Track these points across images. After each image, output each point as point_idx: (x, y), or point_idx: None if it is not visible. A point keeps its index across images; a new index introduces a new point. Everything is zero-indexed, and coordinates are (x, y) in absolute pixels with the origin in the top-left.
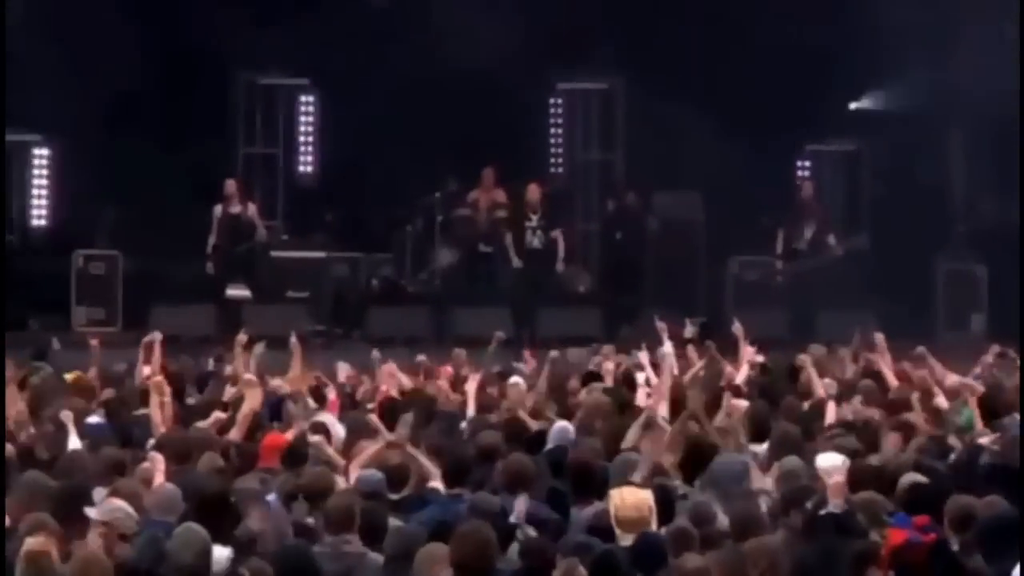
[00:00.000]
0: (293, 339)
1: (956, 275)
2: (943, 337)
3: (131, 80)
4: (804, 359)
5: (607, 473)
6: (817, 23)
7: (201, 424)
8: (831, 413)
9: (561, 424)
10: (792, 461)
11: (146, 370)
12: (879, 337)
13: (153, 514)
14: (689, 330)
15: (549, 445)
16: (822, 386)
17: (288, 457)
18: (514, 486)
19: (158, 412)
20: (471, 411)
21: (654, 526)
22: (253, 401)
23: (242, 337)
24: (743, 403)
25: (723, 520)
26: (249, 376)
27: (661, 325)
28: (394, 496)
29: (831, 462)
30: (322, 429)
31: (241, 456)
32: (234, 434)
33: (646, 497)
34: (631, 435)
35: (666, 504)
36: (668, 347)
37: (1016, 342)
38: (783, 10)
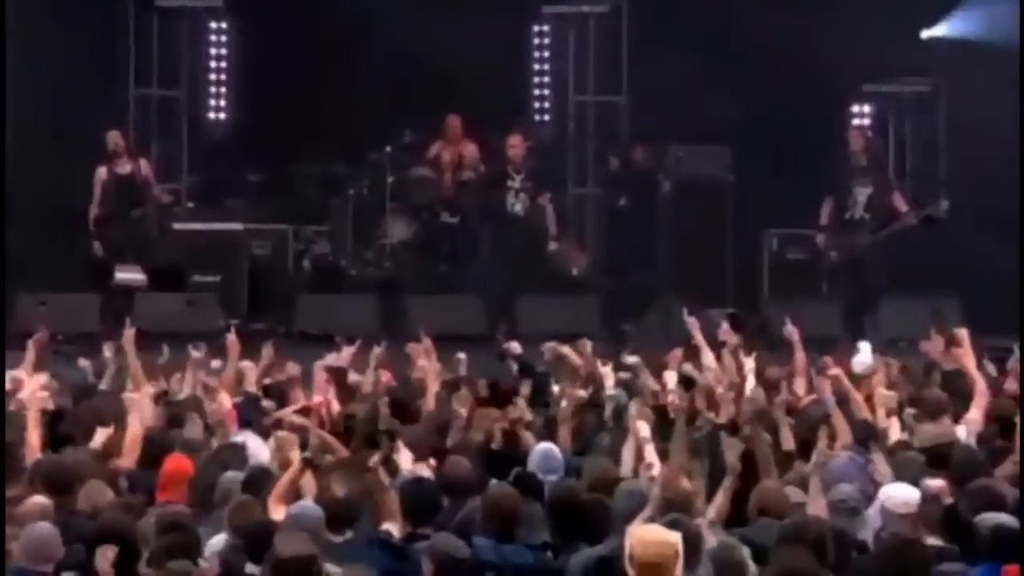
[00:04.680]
0: (231, 337)
1: None
2: None
3: None
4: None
5: (607, 509)
6: None
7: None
8: (895, 431)
9: (544, 447)
10: (843, 490)
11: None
12: (963, 333)
13: (24, 561)
14: (724, 329)
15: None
16: (874, 400)
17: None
18: (499, 526)
19: (35, 432)
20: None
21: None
22: (140, 419)
23: (130, 332)
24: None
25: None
26: (134, 395)
27: (692, 320)
28: (336, 539)
29: (901, 496)
30: (238, 452)
31: (135, 487)
32: (125, 462)
33: (672, 539)
34: (627, 457)
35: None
36: (709, 359)
37: None
38: None
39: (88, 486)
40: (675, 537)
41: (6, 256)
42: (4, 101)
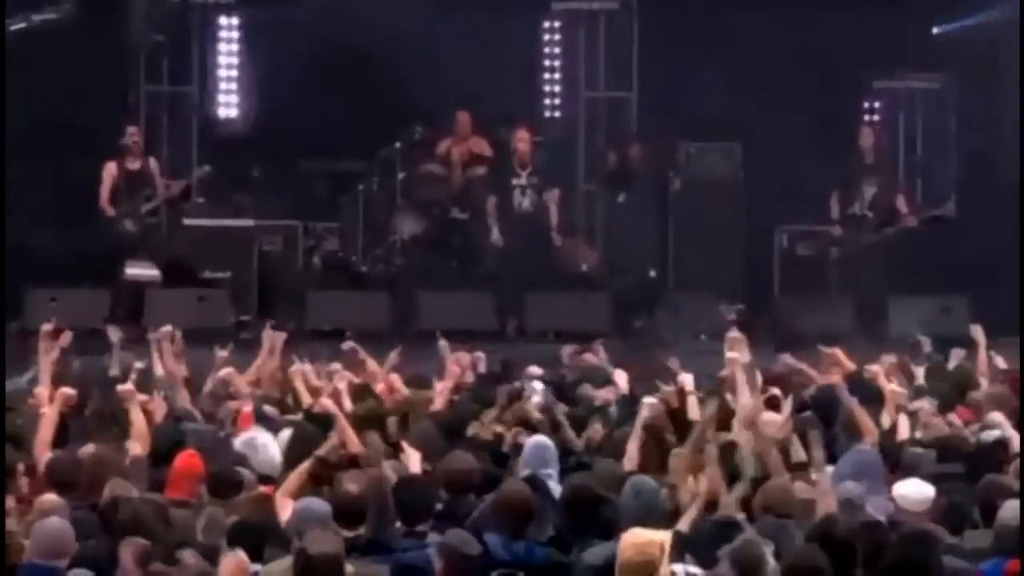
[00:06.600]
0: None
1: None
2: None
3: None
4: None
5: (614, 505)
6: None
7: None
8: (903, 428)
9: (536, 440)
10: (850, 488)
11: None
12: (976, 330)
13: (35, 556)
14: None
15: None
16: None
17: (214, 484)
18: (510, 523)
19: (48, 427)
20: None
21: (665, 571)
22: (148, 416)
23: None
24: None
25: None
26: (128, 387)
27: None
28: (347, 534)
29: (915, 493)
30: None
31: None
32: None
33: (658, 538)
34: (632, 451)
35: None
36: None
37: None
38: None
39: (113, 483)
40: (660, 535)
41: (16, 252)
42: (3, 100)
